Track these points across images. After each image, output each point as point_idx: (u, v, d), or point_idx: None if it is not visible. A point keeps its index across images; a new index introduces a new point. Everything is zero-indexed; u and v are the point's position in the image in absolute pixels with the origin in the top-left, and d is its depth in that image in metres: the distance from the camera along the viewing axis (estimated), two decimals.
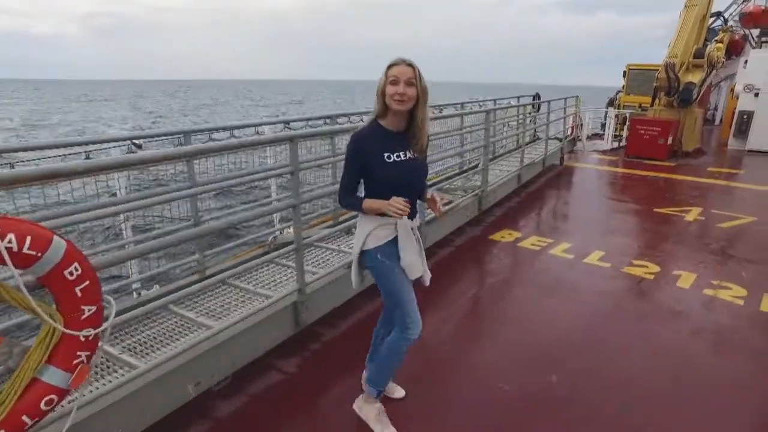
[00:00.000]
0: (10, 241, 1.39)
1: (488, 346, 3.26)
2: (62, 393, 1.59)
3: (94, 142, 3.46)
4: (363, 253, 2.25)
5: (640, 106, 13.73)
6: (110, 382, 2.16)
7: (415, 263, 2.23)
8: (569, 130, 11.23)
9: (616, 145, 12.15)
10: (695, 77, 10.50)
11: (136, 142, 3.57)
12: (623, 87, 15.40)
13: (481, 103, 9.41)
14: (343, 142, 5.27)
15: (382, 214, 2.13)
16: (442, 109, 7.95)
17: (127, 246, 3.23)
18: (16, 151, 3.04)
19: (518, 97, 9.97)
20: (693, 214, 6.35)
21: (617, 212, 6.68)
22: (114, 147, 3.76)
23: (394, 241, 2.20)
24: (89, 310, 1.62)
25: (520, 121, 8.40)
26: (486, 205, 5.76)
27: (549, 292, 4.03)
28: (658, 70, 10.69)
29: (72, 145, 3.29)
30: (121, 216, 3.74)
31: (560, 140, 9.87)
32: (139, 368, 2.22)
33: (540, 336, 3.34)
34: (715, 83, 15.75)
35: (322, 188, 3.66)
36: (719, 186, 8.26)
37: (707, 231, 5.72)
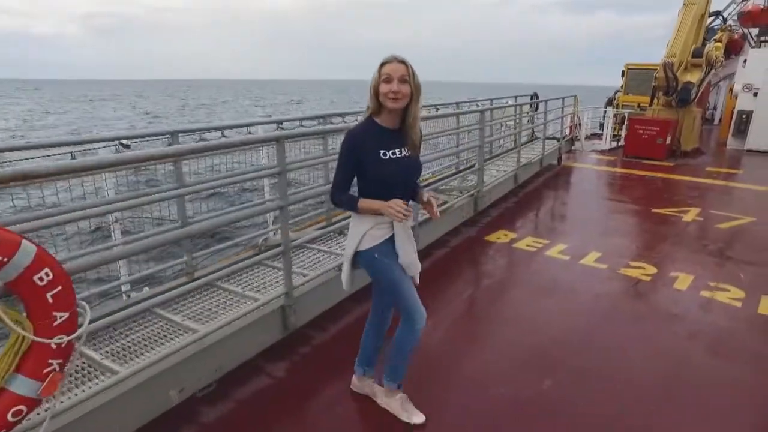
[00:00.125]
0: None
1: (482, 349, 3.21)
2: (32, 403, 1.53)
3: (81, 143, 3.40)
4: (358, 254, 2.23)
5: (638, 106, 13.68)
6: (90, 388, 2.10)
7: (414, 261, 2.26)
8: (567, 130, 11.18)
9: (614, 144, 12.10)
10: (694, 77, 10.46)
11: (124, 142, 3.52)
12: (622, 87, 15.35)
13: (478, 103, 9.35)
14: (336, 143, 5.23)
15: (378, 214, 2.12)
16: (438, 109, 7.90)
17: (113, 249, 3.17)
18: (2, 151, 2.99)
19: (515, 97, 9.91)
20: (691, 214, 6.30)
21: (615, 213, 6.62)
22: (104, 147, 3.71)
23: (390, 240, 2.21)
24: (61, 317, 1.56)
25: (517, 121, 8.35)
26: (482, 205, 5.70)
27: (544, 294, 3.98)
28: (656, 69, 10.64)
29: (59, 145, 3.23)
30: (110, 218, 3.70)
31: (558, 140, 9.81)
32: (120, 374, 2.17)
33: (535, 339, 3.29)
34: (714, 83, 15.70)
35: (312, 189, 3.59)
36: (718, 186, 8.21)
37: (705, 232, 5.67)
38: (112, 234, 3.66)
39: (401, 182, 2.19)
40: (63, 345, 1.58)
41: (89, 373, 2.29)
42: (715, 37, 12.68)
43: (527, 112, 9.51)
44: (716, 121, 17.04)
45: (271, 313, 2.86)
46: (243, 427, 2.49)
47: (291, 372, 2.95)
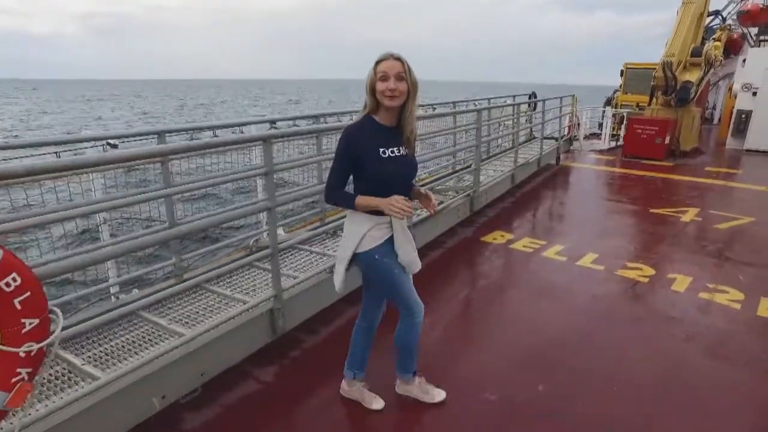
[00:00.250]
0: None
1: (479, 350, 3.15)
2: None
3: (67, 142, 3.33)
4: (357, 255, 2.19)
5: (637, 106, 13.62)
6: (69, 395, 2.04)
7: (414, 260, 2.25)
8: (566, 130, 11.12)
9: (613, 144, 12.04)
10: (693, 76, 10.39)
11: (112, 141, 3.45)
12: (621, 86, 15.29)
13: (476, 103, 9.29)
14: (332, 142, 5.16)
15: (377, 213, 2.09)
16: (435, 108, 7.83)
17: (94, 251, 3.10)
18: None
19: (513, 96, 9.85)
20: (690, 214, 6.24)
21: (613, 213, 6.56)
22: (91, 146, 3.64)
23: (390, 240, 2.19)
24: (31, 324, 1.50)
25: (514, 121, 8.28)
26: (478, 205, 5.64)
27: (540, 296, 3.91)
28: (655, 69, 10.58)
29: (45, 144, 3.16)
30: (98, 218, 3.63)
31: (556, 140, 9.75)
32: (100, 380, 2.10)
33: (531, 340, 3.23)
34: (714, 82, 15.64)
35: (301, 190, 3.52)
36: (717, 186, 8.15)
37: (704, 232, 5.60)
38: (101, 236, 3.60)
39: (400, 181, 2.16)
40: (33, 353, 1.52)
41: (69, 379, 2.22)
42: (714, 36, 12.62)
43: (525, 112, 9.44)
44: (715, 121, 16.98)
45: (259, 316, 2.79)
46: None
47: (280, 376, 2.89)
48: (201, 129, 3.88)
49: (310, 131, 3.74)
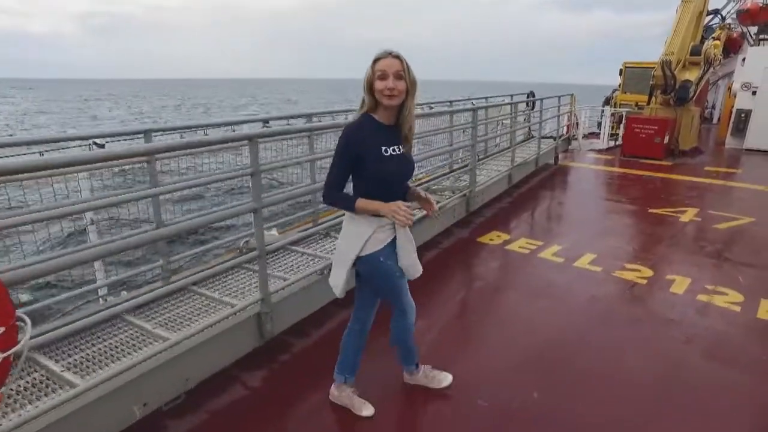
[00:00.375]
0: None
1: (475, 353, 3.09)
2: None
3: (52, 141, 3.26)
4: (359, 258, 2.15)
5: (636, 105, 13.55)
6: (45, 403, 1.96)
7: (414, 263, 2.26)
8: (565, 129, 11.05)
9: (612, 144, 11.97)
10: (692, 75, 10.32)
11: (98, 141, 3.37)
12: (620, 85, 15.22)
13: (473, 102, 9.22)
14: (324, 143, 5.09)
15: (376, 215, 2.07)
16: (432, 107, 7.75)
17: (70, 255, 3.03)
18: None
19: (511, 95, 9.78)
20: (689, 214, 6.17)
21: (611, 213, 6.49)
22: (77, 146, 3.57)
23: (392, 242, 2.17)
24: None
25: (512, 120, 8.21)
26: (474, 205, 5.56)
27: (536, 299, 3.84)
28: (654, 68, 10.51)
29: (30, 143, 3.10)
30: (86, 219, 3.56)
31: (554, 139, 9.68)
32: (78, 387, 2.03)
33: (527, 343, 3.16)
34: (713, 81, 15.58)
35: (292, 191, 3.45)
36: (716, 186, 8.08)
37: (703, 233, 5.54)
38: (88, 238, 3.53)
39: (399, 180, 2.15)
40: None
41: (47, 386, 2.14)
42: (713, 35, 12.55)
43: (523, 111, 9.37)
44: (715, 120, 16.93)
45: (246, 320, 2.72)
46: None
47: (269, 381, 2.82)
48: (190, 128, 3.80)
49: (300, 130, 3.67)
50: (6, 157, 3.50)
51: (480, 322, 3.53)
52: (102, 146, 3.41)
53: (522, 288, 4.09)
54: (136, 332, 2.64)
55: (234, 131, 4.52)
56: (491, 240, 5.18)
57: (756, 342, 3.24)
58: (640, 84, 13.45)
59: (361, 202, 2.05)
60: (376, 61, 1.98)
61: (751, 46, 13.66)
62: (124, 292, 3.63)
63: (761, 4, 13.66)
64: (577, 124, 11.80)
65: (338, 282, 2.24)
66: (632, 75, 14.68)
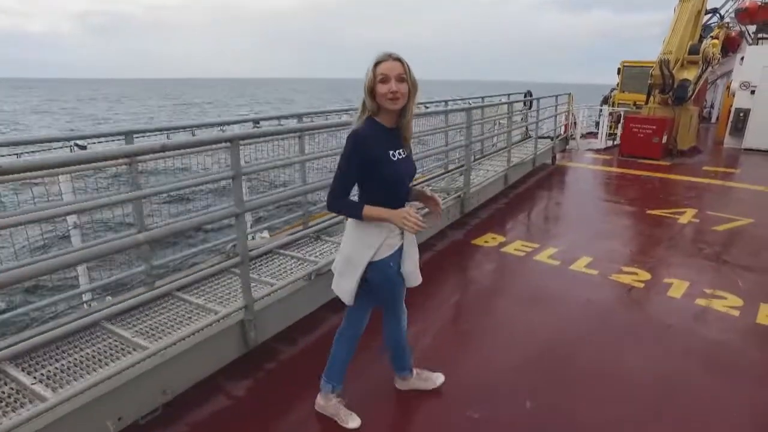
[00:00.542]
0: None
1: (467, 361, 3.00)
2: None
3: (32, 142, 3.16)
4: (371, 264, 2.11)
5: (634, 104, 13.47)
6: (10, 419, 1.87)
7: (415, 270, 2.27)
8: (562, 129, 10.97)
9: (610, 143, 11.90)
10: (690, 74, 10.24)
11: (80, 143, 3.27)
12: (618, 84, 15.15)
13: (470, 101, 9.13)
14: (322, 143, 4.99)
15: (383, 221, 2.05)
16: (428, 107, 7.66)
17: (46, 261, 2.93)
18: None
19: (508, 95, 9.69)
20: (687, 216, 6.09)
21: (608, 214, 6.41)
22: (61, 147, 3.47)
23: (400, 248, 2.17)
24: None
25: (509, 119, 8.12)
26: (469, 207, 5.47)
27: (530, 304, 3.75)
28: (652, 67, 10.43)
29: (8, 144, 3.00)
30: (69, 223, 3.46)
31: (552, 139, 9.60)
32: (48, 401, 1.94)
33: (517, 354, 3.07)
34: (712, 80, 15.51)
35: (278, 194, 3.35)
36: (715, 186, 8.01)
37: (702, 234, 5.45)
38: (72, 243, 3.43)
39: (405, 183, 2.14)
40: None
41: (15, 401, 2.05)
42: (712, 34, 12.48)
43: (520, 111, 9.28)
44: (713, 120, 16.86)
45: (229, 328, 2.63)
46: None
47: (253, 391, 2.73)
48: (176, 129, 3.71)
49: (289, 131, 3.58)
50: None
51: (473, 327, 3.44)
52: (84, 147, 3.32)
53: (516, 293, 4.00)
54: (115, 341, 2.56)
55: (224, 131, 4.42)
56: (486, 242, 5.09)
57: (755, 349, 3.15)
58: (639, 83, 13.38)
59: (368, 210, 2.01)
60: (376, 64, 1.94)
61: (750, 45, 13.59)
62: (109, 298, 3.55)
63: (760, 3, 13.58)
64: (575, 123, 11.72)
65: (349, 288, 2.17)
66: (630, 74, 14.60)
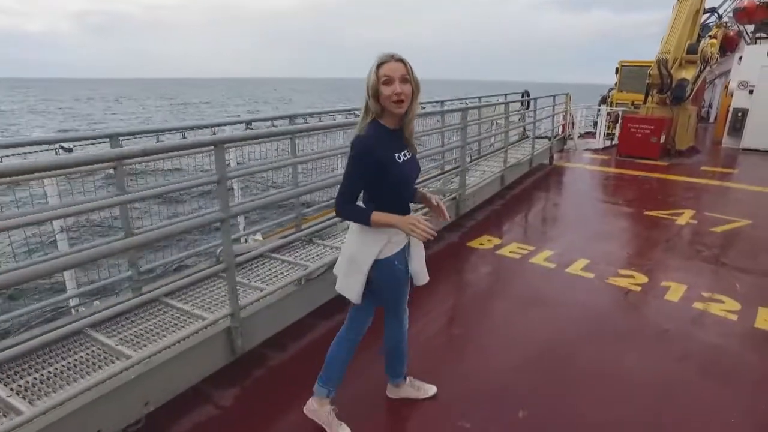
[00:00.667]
0: None
1: (459, 367, 2.95)
2: None
3: (14, 145, 3.09)
4: (376, 262, 2.09)
5: (632, 104, 13.42)
6: None
7: (422, 269, 2.25)
8: (560, 129, 10.92)
9: (608, 143, 11.85)
10: (688, 74, 10.19)
11: (65, 145, 3.21)
12: (616, 84, 15.10)
13: (466, 101, 9.07)
14: (315, 144, 4.93)
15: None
16: (424, 107, 7.60)
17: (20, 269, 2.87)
18: None
19: (505, 95, 9.63)
20: (685, 217, 6.04)
21: (605, 216, 6.36)
22: (46, 150, 3.40)
23: (404, 247, 2.15)
24: None
25: (505, 120, 8.06)
26: (464, 208, 5.41)
27: (525, 308, 3.70)
28: (650, 66, 10.38)
29: None
30: (56, 227, 3.40)
31: (549, 139, 9.54)
32: (24, 414, 1.88)
33: (512, 359, 3.01)
34: (710, 80, 15.46)
35: (266, 198, 3.29)
36: (713, 186, 7.96)
37: (699, 236, 5.40)
38: (58, 244, 3.37)
39: (410, 185, 2.14)
40: None
41: None
42: (710, 34, 12.43)
43: (518, 111, 9.22)
44: (711, 119, 16.81)
45: (216, 335, 2.56)
46: None
47: (241, 399, 2.68)
48: (164, 131, 3.64)
49: (280, 133, 3.51)
50: None
51: (468, 331, 3.38)
52: (70, 150, 3.25)
53: (512, 296, 3.94)
54: (98, 349, 2.49)
55: (215, 133, 4.36)
56: (482, 244, 5.03)
57: (753, 354, 3.10)
58: (637, 83, 13.32)
59: (377, 216, 1.98)
60: (379, 66, 1.90)
61: (748, 44, 13.54)
62: (97, 302, 3.48)
63: (758, 3, 13.53)
64: (573, 123, 11.67)
65: (356, 287, 2.13)
66: (628, 74, 14.55)
